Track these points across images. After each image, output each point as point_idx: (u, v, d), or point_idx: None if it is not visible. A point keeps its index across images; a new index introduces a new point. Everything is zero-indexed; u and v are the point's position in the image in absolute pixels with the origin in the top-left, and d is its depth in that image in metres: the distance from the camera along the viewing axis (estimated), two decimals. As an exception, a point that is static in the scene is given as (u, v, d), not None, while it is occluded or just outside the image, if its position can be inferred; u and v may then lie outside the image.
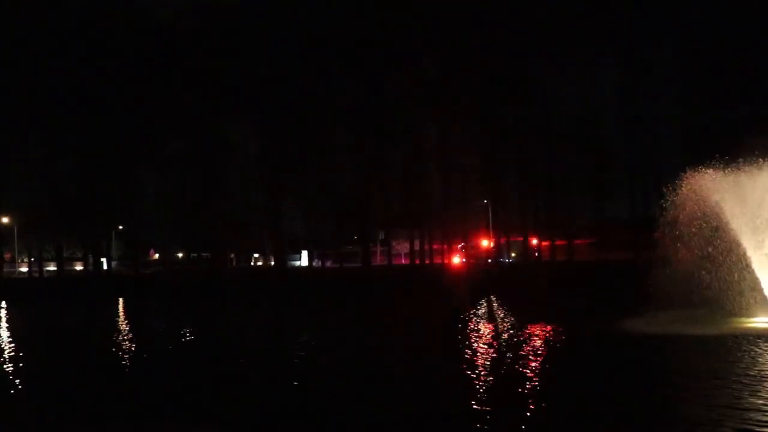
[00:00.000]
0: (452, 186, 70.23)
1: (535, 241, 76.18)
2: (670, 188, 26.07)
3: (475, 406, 12.45)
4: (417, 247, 74.09)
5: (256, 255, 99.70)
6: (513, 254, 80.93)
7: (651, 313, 23.35)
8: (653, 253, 25.61)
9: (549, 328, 24.38)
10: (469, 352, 19.67)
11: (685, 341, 19.84)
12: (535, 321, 25.98)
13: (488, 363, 17.83)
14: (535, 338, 22.10)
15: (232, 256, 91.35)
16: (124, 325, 32.18)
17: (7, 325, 34.32)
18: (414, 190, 69.82)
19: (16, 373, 18.11)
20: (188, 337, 26.47)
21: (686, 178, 25.60)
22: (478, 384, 14.65)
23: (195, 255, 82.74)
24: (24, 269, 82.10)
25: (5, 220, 70.35)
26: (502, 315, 31.13)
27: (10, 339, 26.79)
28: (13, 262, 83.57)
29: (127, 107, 63.62)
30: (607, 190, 70.49)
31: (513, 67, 67.86)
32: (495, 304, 36.54)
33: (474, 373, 16.08)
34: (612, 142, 70.83)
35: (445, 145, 69.46)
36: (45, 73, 60.87)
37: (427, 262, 73.36)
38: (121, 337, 26.22)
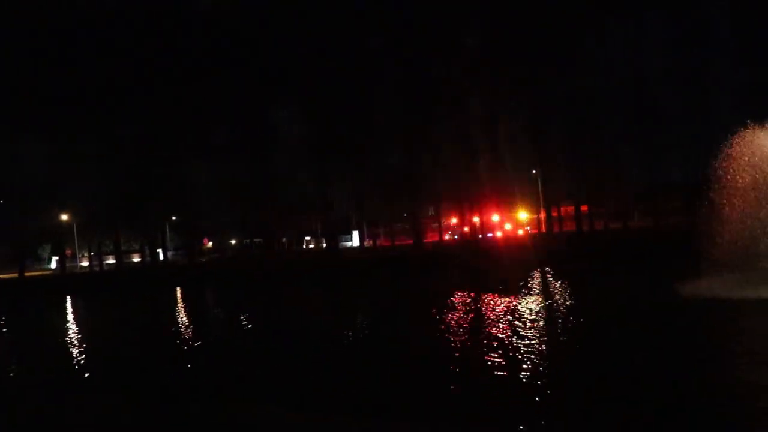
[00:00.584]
0: (501, 159, 69.37)
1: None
2: (724, 147, 25.21)
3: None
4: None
5: (307, 238, 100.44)
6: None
7: (710, 277, 22.81)
8: (705, 215, 24.86)
9: (617, 295, 24.72)
10: (545, 317, 19.61)
11: (747, 305, 19.43)
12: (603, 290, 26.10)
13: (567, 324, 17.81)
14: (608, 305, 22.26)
15: (284, 240, 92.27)
16: (182, 315, 32.81)
17: (73, 318, 35.40)
18: (462, 164, 69.22)
19: (91, 362, 18.76)
20: (245, 324, 26.88)
21: (740, 136, 24.71)
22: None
23: (248, 241, 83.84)
24: (85, 264, 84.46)
25: (65, 217, 72.37)
26: (559, 287, 30.82)
27: (78, 331, 27.69)
28: (74, 257, 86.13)
29: (176, 99, 64.35)
30: (659, 154, 68.92)
31: (558, 31, 66.35)
32: (549, 276, 36.24)
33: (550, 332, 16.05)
34: (663, 104, 68.75)
35: (491, 117, 68.54)
36: (95, 70, 61.66)
37: (480, 236, 73.08)
38: (180, 327, 26.82)
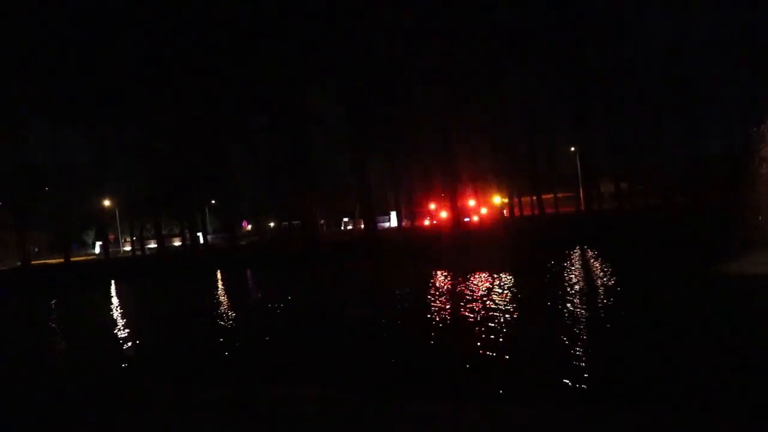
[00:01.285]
0: (538, 137, 68.93)
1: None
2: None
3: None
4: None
5: (345, 219, 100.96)
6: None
7: (751, 254, 22.36)
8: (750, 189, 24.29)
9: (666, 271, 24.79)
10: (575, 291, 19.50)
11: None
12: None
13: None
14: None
15: (322, 221, 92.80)
16: (223, 297, 33.25)
17: (118, 302, 36.14)
18: (499, 143, 68.92)
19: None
20: (281, 305, 27.17)
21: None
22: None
23: (286, 223, 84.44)
24: (127, 248, 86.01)
25: (107, 203, 73.65)
26: (599, 264, 30.56)
27: (122, 314, 28.29)
28: (117, 242, 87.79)
29: (214, 85, 64.74)
30: (701, 127, 67.97)
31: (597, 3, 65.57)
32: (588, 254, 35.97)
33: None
34: (705, 75, 67.40)
35: (529, 94, 68.00)
36: (137, 57, 62.24)
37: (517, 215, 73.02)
38: (223, 308, 27.23)
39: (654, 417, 7.80)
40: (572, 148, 71.81)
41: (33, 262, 69.44)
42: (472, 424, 7.66)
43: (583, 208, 70.62)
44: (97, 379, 14.68)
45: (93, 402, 10.46)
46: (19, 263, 66.55)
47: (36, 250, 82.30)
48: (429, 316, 19.76)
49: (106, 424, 8.86)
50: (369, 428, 7.99)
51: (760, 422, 8.14)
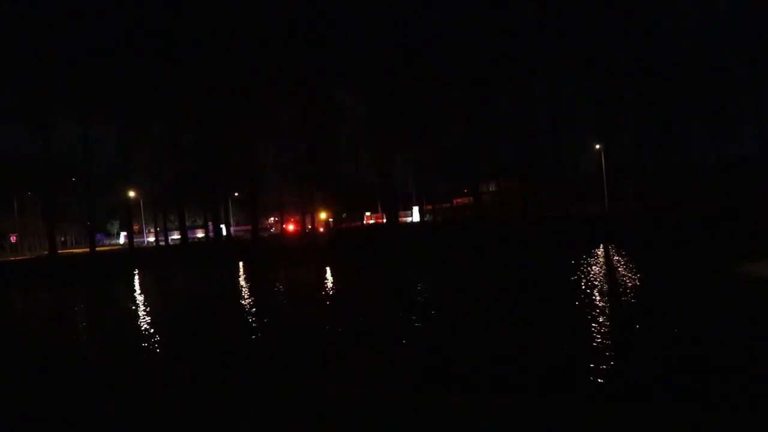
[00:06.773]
0: (562, 133, 68.44)
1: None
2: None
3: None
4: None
5: (367, 213, 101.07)
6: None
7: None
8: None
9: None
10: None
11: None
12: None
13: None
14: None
15: (344, 215, 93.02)
16: (241, 287, 33.42)
17: (140, 289, 36.50)
18: (523, 139, 68.58)
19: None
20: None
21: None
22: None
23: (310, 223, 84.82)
24: (151, 239, 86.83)
25: (132, 194, 74.34)
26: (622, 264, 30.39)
27: (139, 303, 28.57)
28: (141, 233, 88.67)
29: (241, 79, 64.97)
30: (732, 127, 67.23)
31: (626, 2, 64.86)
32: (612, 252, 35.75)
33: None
34: (737, 74, 66.35)
35: (554, 91, 67.47)
36: (165, 52, 62.58)
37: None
38: (237, 299, 27.42)
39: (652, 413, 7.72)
40: (597, 146, 71.08)
41: (60, 252, 70.30)
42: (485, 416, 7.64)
43: (608, 208, 69.94)
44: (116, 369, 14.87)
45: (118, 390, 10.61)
46: (46, 252, 67.40)
47: (62, 239, 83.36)
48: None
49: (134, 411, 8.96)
50: (394, 420, 8.00)
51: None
